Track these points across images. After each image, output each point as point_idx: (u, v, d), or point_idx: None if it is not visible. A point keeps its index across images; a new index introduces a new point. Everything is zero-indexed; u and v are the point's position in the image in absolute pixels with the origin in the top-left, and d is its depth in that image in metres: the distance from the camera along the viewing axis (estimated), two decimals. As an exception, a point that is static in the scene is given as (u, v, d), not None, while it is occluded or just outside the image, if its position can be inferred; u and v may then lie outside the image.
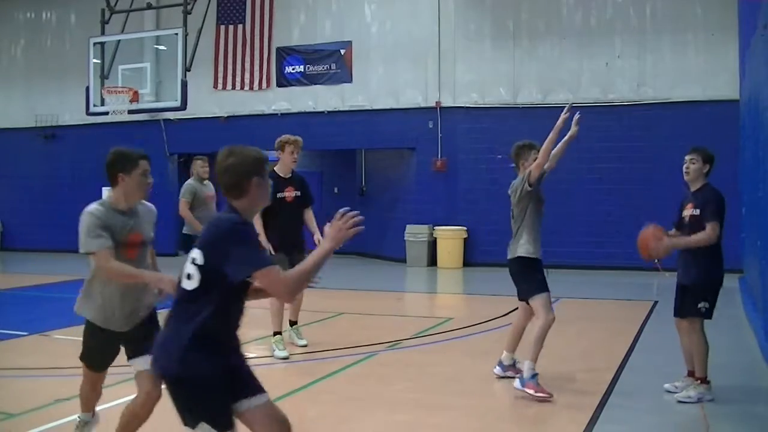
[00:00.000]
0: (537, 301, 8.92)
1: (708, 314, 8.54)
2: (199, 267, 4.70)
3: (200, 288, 4.71)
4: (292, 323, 11.78)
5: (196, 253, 4.76)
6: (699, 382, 8.35)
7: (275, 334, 11.12)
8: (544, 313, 8.82)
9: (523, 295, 9.27)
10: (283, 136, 11.66)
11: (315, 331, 12.80)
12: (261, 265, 4.63)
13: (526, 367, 8.53)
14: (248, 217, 5.06)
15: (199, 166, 13.62)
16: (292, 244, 10.98)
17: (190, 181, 13.65)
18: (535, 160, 9.99)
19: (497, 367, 9.57)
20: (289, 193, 11.37)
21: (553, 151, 9.79)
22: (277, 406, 5.39)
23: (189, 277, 4.75)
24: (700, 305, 8.50)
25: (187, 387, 4.77)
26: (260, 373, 9.81)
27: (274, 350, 11.00)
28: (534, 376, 8.48)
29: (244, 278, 4.74)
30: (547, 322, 8.90)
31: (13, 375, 9.82)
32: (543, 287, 9.34)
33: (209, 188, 13.56)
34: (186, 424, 4.84)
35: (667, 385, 8.65)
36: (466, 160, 22.87)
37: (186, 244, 12.47)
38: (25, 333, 12.63)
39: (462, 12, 23.32)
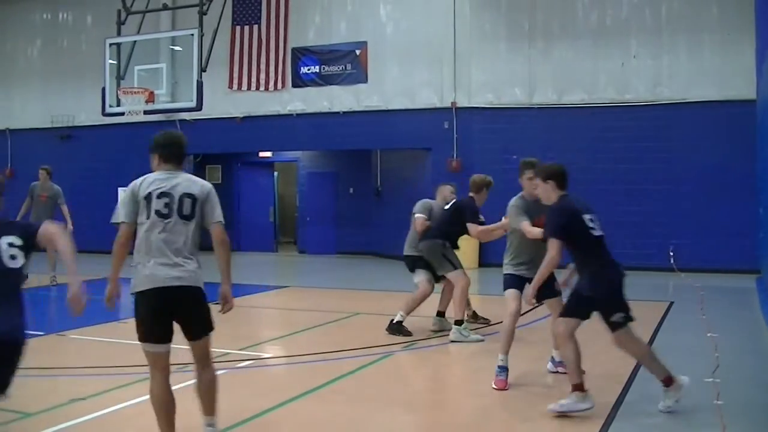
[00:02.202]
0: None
1: (626, 322, 8.29)
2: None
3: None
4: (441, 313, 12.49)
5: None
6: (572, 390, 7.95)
7: (459, 323, 11.71)
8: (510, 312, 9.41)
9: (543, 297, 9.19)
10: None
11: (330, 331, 12.81)
12: None
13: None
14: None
15: (449, 191, 13.17)
16: None
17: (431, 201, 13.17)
18: (528, 178, 9.93)
19: (549, 363, 9.82)
20: None
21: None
22: None
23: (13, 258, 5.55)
24: (614, 318, 8.23)
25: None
26: (275, 374, 9.87)
27: (467, 336, 11.61)
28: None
29: None
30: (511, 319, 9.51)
31: (29, 375, 9.82)
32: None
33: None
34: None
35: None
36: (482, 160, 22.79)
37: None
38: (41, 333, 12.63)
39: (477, 12, 23.29)
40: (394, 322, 12.21)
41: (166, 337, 6.65)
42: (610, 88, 22.01)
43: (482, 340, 11.77)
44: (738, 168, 20.40)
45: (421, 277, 12.41)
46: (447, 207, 12.38)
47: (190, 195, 6.79)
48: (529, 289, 8.58)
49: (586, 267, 8.16)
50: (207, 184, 6.97)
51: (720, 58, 21.17)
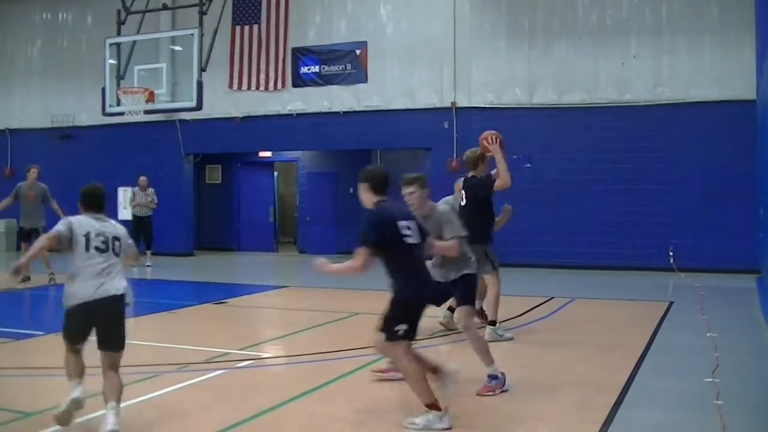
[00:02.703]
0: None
1: (406, 336, 7.75)
2: None
3: None
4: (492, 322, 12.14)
5: None
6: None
7: (493, 323, 11.83)
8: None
9: None
10: None
11: (330, 331, 12.81)
12: None
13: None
14: None
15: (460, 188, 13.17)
16: None
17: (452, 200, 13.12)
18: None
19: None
20: None
21: None
22: None
23: None
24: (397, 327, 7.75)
25: None
26: (275, 373, 9.87)
27: (501, 336, 11.74)
28: None
29: None
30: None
31: (28, 374, 9.84)
32: None
33: None
34: None
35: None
36: (482, 160, 22.84)
37: None
38: (40, 333, 12.64)
39: (477, 12, 23.29)
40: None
41: None
42: (610, 88, 22.01)
43: (512, 338, 11.85)
44: (738, 168, 20.40)
45: None
46: (463, 203, 12.24)
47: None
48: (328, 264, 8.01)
49: (398, 274, 7.88)
50: None
51: (720, 58, 21.18)
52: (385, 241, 7.59)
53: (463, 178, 12.56)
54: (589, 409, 8.04)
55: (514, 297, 15.73)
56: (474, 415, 8.01)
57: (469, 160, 12.38)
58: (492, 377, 8.77)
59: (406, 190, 8.96)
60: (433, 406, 7.50)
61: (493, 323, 11.84)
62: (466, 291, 9.12)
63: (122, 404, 7.66)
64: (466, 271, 9.07)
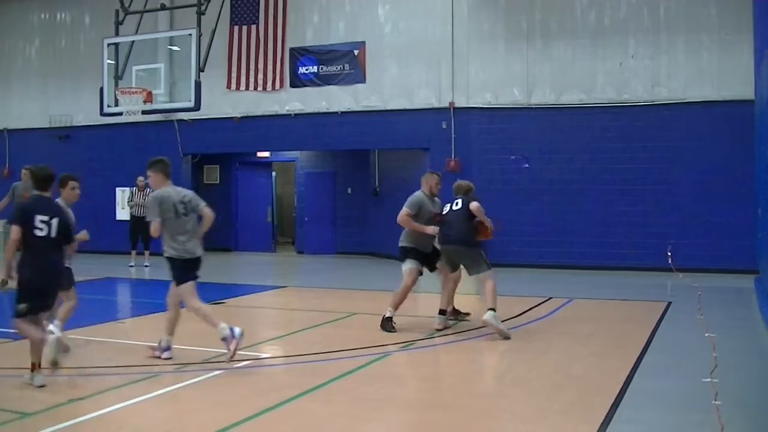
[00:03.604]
0: None
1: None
2: None
3: None
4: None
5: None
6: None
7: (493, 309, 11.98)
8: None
9: None
10: None
11: (328, 331, 12.81)
12: None
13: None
14: None
15: (435, 181, 13.38)
16: None
17: (420, 195, 13.31)
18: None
19: None
20: None
21: None
22: None
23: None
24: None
25: None
26: (274, 373, 9.87)
27: (497, 324, 11.94)
28: None
29: None
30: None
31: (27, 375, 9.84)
32: None
33: (436, 205, 13.20)
34: None
35: None
36: (480, 160, 22.82)
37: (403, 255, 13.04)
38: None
39: (475, 12, 23.27)
40: (384, 317, 12.55)
41: None
42: (608, 88, 21.98)
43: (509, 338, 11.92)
44: (736, 168, 20.41)
45: (407, 266, 12.74)
46: (457, 206, 12.72)
47: None
48: None
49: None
50: None
51: (718, 59, 21.17)
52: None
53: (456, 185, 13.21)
54: (588, 409, 8.06)
55: (512, 297, 15.75)
56: (472, 414, 8.02)
57: (460, 188, 13.27)
58: None
59: None
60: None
61: (493, 309, 11.98)
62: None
63: (123, 403, 7.70)
64: None
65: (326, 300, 16.22)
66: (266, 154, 28.85)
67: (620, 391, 8.70)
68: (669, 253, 21.00)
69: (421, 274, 12.86)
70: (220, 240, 27.86)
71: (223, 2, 23.08)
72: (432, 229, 12.66)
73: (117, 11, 22.29)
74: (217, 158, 28.59)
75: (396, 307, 12.64)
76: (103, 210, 26.94)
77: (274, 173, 31.16)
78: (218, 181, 28.98)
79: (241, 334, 10.03)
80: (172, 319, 10.28)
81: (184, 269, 10.30)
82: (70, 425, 7.48)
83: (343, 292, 16.21)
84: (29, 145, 28.80)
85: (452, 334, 12.15)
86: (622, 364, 9.90)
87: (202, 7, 21.24)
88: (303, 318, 13.99)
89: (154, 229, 10.28)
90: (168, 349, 10.13)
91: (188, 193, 10.55)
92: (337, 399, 8.56)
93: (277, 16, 25.55)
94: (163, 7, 23.78)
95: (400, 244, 12.95)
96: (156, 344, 10.31)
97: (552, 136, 22.31)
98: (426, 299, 16.53)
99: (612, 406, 8.10)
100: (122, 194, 26.46)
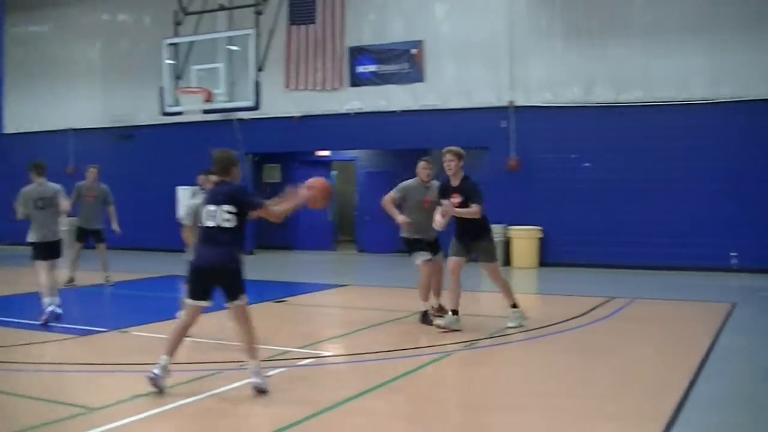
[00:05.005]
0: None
1: None
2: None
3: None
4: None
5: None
6: None
7: (515, 305, 12.56)
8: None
9: None
10: None
11: (389, 330, 12.80)
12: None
13: None
14: None
15: (422, 167, 13.46)
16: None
17: (411, 181, 13.46)
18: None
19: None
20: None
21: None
22: None
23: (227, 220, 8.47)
24: None
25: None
26: (334, 372, 9.88)
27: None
28: None
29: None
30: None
31: (92, 370, 9.93)
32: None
33: (430, 192, 13.21)
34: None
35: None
36: (540, 159, 22.70)
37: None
38: (104, 329, 12.79)
39: (534, 10, 23.11)
40: (421, 313, 12.94)
41: None
42: (668, 85, 21.71)
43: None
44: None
45: (418, 259, 13.01)
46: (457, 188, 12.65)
47: None
48: None
49: None
50: None
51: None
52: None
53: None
54: (651, 411, 7.96)
55: (572, 297, 15.71)
56: (532, 414, 7.98)
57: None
58: None
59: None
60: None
61: (515, 305, 12.43)
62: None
63: (186, 400, 7.75)
64: None
65: (387, 298, 16.21)
66: (326, 153, 28.90)
67: (684, 393, 8.59)
68: (733, 254, 20.75)
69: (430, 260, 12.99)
70: (280, 238, 27.96)
71: (280, 2, 23.25)
72: (402, 218, 12.97)
73: (176, 12, 22.52)
74: (277, 157, 28.67)
75: (426, 299, 12.97)
76: (164, 208, 27.14)
77: (334, 172, 31.19)
78: (279, 180, 29.05)
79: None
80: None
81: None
82: (132, 421, 7.54)
83: (403, 291, 16.18)
84: (92, 145, 29.14)
85: (513, 334, 12.10)
86: (685, 366, 9.79)
87: (261, 7, 21.39)
88: (364, 317, 13.99)
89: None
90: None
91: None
92: (397, 399, 8.55)
93: (335, 15, 25.58)
94: (221, 8, 23.97)
95: (403, 235, 13.25)
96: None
97: (611, 135, 22.11)
98: (488, 298, 16.51)
99: (675, 408, 7.99)
100: (183, 193, 26.65)
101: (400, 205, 13.18)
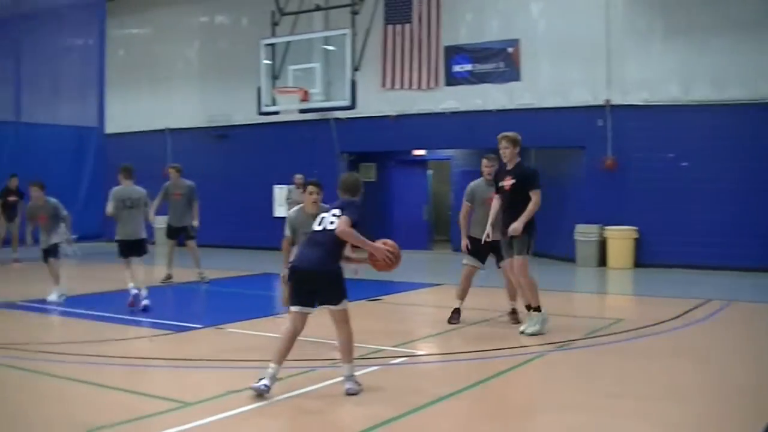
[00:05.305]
0: None
1: None
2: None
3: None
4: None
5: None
6: None
7: (538, 309, 12.03)
8: None
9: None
10: None
11: (484, 329, 12.77)
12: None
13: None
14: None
15: (485, 165, 13.56)
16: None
17: (477, 181, 13.56)
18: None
19: None
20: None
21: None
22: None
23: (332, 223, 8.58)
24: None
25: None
26: (428, 371, 9.88)
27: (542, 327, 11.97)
28: None
29: None
30: None
31: (188, 366, 10.08)
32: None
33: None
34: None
35: None
36: (637, 159, 22.41)
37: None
38: (200, 325, 12.96)
39: (631, 7, 22.82)
40: (453, 309, 13.21)
41: None
42: (770, 83, 21.31)
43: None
44: None
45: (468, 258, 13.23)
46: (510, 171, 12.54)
47: None
48: None
49: None
50: None
51: None
52: None
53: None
54: (747, 419, 7.80)
55: (668, 299, 15.51)
56: (621, 417, 7.89)
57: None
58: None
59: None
60: None
61: (538, 309, 12.01)
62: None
63: (280, 397, 7.84)
64: None
65: (481, 298, 16.13)
66: (422, 152, 28.92)
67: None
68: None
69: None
70: (375, 237, 28.02)
71: (376, 2, 23.32)
72: (465, 243, 13.31)
73: (273, 13, 22.73)
74: (373, 156, 28.77)
75: (462, 297, 13.31)
76: (261, 207, 27.41)
77: (429, 171, 31.20)
78: (374, 179, 29.16)
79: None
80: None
81: None
82: (227, 416, 7.63)
83: (497, 291, 16.09)
84: (189, 144, 29.59)
85: (608, 335, 11.98)
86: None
87: (357, 7, 21.49)
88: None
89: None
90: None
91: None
92: (491, 398, 8.53)
93: (431, 15, 25.58)
94: (317, 8, 24.10)
95: (472, 235, 13.22)
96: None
97: (711, 134, 21.71)
98: (581, 298, 16.38)
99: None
100: (280, 192, 26.89)
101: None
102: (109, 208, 14.72)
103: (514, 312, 13.06)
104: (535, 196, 11.80)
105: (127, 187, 14.90)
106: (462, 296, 13.23)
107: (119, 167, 15.29)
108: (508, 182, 12.09)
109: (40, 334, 12.64)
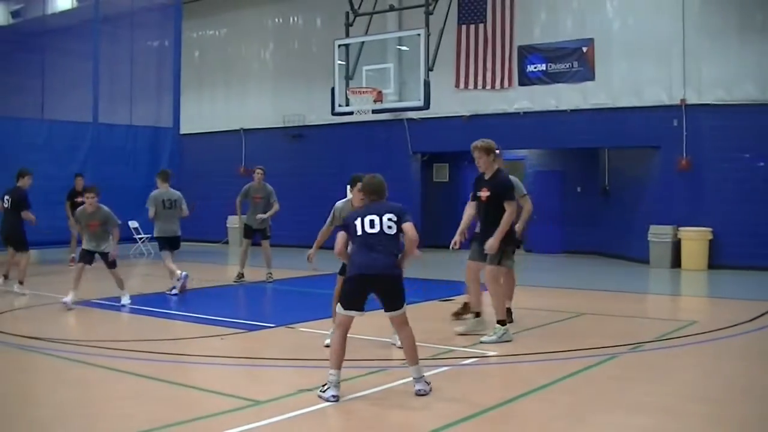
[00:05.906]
0: None
1: None
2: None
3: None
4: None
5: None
6: None
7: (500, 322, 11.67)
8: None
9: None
10: None
11: (555, 330, 12.74)
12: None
13: None
14: None
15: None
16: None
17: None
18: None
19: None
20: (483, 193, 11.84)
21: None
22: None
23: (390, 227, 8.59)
24: None
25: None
26: (499, 371, 9.88)
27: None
28: None
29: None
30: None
31: (260, 364, 10.19)
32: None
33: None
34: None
35: None
36: (712, 159, 22.18)
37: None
38: (272, 324, 13.07)
39: (707, 5, 22.55)
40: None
41: None
42: None
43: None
44: None
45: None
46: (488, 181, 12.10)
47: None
48: None
49: None
50: None
51: None
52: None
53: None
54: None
55: (744, 301, 15.33)
56: (695, 420, 7.83)
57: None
58: None
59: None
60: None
61: (502, 322, 11.73)
62: None
63: (350, 396, 7.89)
64: None
65: (553, 299, 16.10)
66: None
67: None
68: None
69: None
70: (445, 237, 28.03)
71: (450, 2, 23.32)
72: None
73: (347, 13, 22.84)
74: (446, 156, 28.78)
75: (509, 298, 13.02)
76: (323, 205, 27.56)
77: (502, 171, 31.11)
78: (447, 179, 29.16)
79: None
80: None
81: None
82: (297, 415, 7.70)
83: (570, 292, 16.05)
84: (264, 144, 29.83)
85: (681, 337, 11.88)
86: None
87: (430, 7, 21.52)
88: (530, 316, 13.92)
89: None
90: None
91: None
92: (562, 400, 8.49)
93: (505, 15, 25.55)
94: (391, 8, 24.18)
95: None
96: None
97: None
98: (655, 300, 16.23)
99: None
100: (351, 192, 26.99)
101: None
102: (151, 212, 16.40)
103: (508, 311, 12.94)
104: (509, 208, 11.42)
105: (164, 190, 16.71)
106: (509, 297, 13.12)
107: (157, 172, 17.28)
108: (484, 193, 11.80)
109: (113, 332, 12.81)
